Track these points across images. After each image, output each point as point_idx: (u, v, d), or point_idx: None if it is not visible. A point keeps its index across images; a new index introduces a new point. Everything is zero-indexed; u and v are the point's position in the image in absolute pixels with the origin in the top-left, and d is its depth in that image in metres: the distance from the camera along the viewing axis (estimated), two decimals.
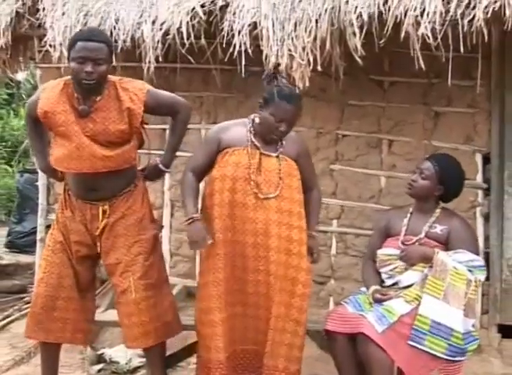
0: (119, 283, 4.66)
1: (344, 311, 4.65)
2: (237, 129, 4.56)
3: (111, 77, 4.57)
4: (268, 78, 4.47)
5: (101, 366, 5.55)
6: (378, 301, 4.56)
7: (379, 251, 4.78)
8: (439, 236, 4.66)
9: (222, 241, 4.47)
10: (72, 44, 4.48)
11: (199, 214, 4.51)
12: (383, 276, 4.75)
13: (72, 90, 4.58)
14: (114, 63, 5.63)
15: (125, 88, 4.57)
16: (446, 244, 4.64)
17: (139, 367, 5.38)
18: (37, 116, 4.64)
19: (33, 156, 4.89)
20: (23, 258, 7.48)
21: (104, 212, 4.65)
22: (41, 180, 6.61)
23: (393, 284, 4.68)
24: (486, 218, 5.78)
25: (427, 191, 4.74)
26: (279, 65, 4.82)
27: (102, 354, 5.59)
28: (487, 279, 5.66)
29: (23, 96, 15.34)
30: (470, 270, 4.49)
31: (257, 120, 4.49)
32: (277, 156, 4.50)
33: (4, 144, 14.74)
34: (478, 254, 4.70)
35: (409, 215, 4.80)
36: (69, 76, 4.60)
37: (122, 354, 5.42)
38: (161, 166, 4.76)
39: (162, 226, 4.88)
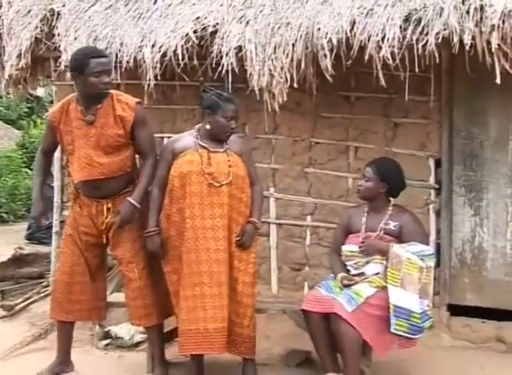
0: (126, 272, 4.74)
1: (318, 293, 4.67)
2: (186, 138, 4.68)
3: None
4: (202, 93, 4.63)
5: (107, 341, 5.54)
6: (347, 286, 4.58)
7: (344, 248, 4.82)
8: (392, 231, 4.71)
9: (189, 229, 4.52)
10: (84, 62, 4.49)
11: (157, 228, 4.62)
12: (349, 267, 4.78)
13: (75, 104, 4.61)
14: (118, 81, 5.67)
15: (119, 100, 4.65)
16: (400, 238, 4.67)
17: (140, 342, 5.37)
18: (52, 127, 4.68)
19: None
20: (41, 249, 7.44)
21: (108, 209, 4.67)
22: (56, 181, 6.58)
23: (358, 274, 4.70)
24: (438, 214, 5.77)
25: (372, 190, 4.79)
26: (203, 81, 5.11)
27: (109, 331, 5.57)
28: (438, 265, 5.72)
29: (42, 110, 15.31)
30: (421, 259, 4.52)
31: (208, 127, 4.59)
32: (224, 151, 4.59)
33: (25, 150, 14.70)
34: (427, 244, 4.74)
35: (366, 214, 4.83)
36: (71, 95, 4.64)
37: (126, 331, 5.41)
38: (131, 200, 4.63)
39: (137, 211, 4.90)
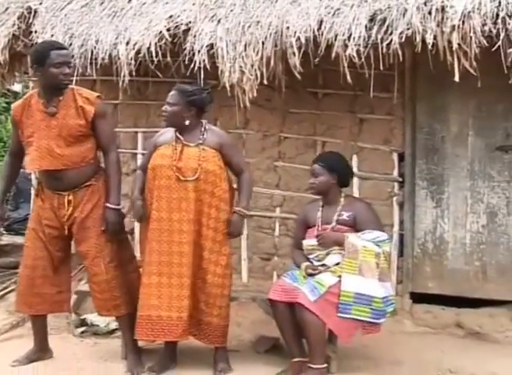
0: (92, 266, 4.68)
1: (283, 283, 4.67)
2: (168, 133, 4.68)
3: None
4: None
5: (83, 328, 5.48)
6: (311, 275, 4.58)
7: (304, 242, 4.84)
8: (346, 221, 4.71)
9: (154, 220, 4.52)
10: (45, 54, 4.46)
11: (140, 197, 4.62)
12: (312, 261, 4.78)
13: (37, 98, 4.58)
14: (94, 77, 5.62)
15: (80, 93, 4.62)
16: (355, 227, 4.67)
17: (115, 329, 5.32)
18: (14, 122, 4.70)
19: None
20: (19, 240, 7.38)
21: (69, 201, 4.62)
22: (34, 174, 6.50)
23: (321, 266, 4.70)
24: (401, 206, 5.79)
25: (325, 184, 4.79)
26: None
27: (85, 319, 5.51)
28: (401, 255, 5.76)
29: None
30: (377, 245, 4.54)
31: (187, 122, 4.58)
32: (197, 146, 4.54)
33: (2, 144, 14.56)
34: (381, 230, 4.72)
35: (321, 208, 4.83)
36: (32, 91, 4.63)
37: (101, 318, 5.33)
38: (111, 205, 4.61)
39: (125, 216, 4.86)
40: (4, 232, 5.08)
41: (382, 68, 4.79)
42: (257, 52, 5.03)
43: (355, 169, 5.63)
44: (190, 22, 5.31)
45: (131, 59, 5.36)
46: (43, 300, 4.78)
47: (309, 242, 4.79)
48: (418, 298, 5.76)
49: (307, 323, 4.39)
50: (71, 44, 5.53)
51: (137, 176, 4.75)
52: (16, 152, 4.85)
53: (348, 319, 4.42)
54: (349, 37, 4.78)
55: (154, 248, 4.51)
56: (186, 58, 5.25)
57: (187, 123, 4.57)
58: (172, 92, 4.63)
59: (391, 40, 4.68)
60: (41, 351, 4.90)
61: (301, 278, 4.64)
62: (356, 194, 5.63)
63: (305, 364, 4.50)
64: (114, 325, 5.32)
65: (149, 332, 4.48)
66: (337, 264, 4.59)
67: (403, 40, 4.66)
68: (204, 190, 4.53)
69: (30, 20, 5.86)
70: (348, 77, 4.89)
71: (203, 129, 4.61)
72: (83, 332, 5.47)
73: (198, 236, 4.53)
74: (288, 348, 4.67)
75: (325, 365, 4.47)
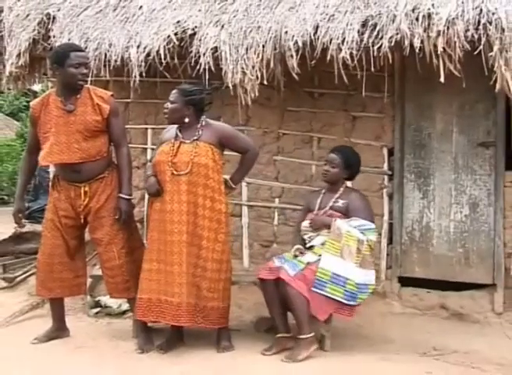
0: (105, 252, 4.72)
1: (271, 264, 4.73)
2: (172, 130, 4.69)
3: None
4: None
5: (97, 309, 5.52)
6: (296, 257, 4.65)
7: (302, 224, 4.86)
8: (341, 208, 4.76)
9: (156, 211, 4.56)
10: (65, 55, 4.49)
11: (152, 173, 4.61)
12: (306, 241, 4.83)
13: (55, 96, 4.59)
14: (107, 77, 5.63)
15: (95, 92, 4.66)
16: (347, 214, 4.70)
17: (127, 310, 5.34)
18: (33, 119, 4.69)
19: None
20: (38, 227, 7.39)
21: (85, 192, 4.65)
22: (52, 167, 6.52)
23: (311, 247, 4.75)
24: (390, 197, 5.81)
25: (337, 176, 4.84)
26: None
27: (99, 300, 5.55)
28: (390, 242, 5.78)
29: None
30: (362, 232, 4.57)
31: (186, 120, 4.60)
32: (192, 142, 4.56)
33: (23, 139, 14.60)
34: (371, 220, 4.75)
35: (322, 195, 4.89)
36: (50, 90, 4.65)
37: (113, 300, 5.36)
38: (124, 195, 4.66)
39: (134, 206, 4.91)
40: (26, 223, 5.07)
41: (373, 70, 4.80)
42: (258, 55, 5.04)
43: None
44: (195, 27, 5.32)
45: (141, 61, 5.37)
46: (62, 284, 4.82)
47: (304, 224, 4.87)
48: (406, 281, 5.78)
49: (289, 296, 4.45)
50: (86, 48, 5.53)
51: (148, 166, 4.80)
52: (33, 149, 4.87)
53: (322, 297, 4.46)
54: (343, 41, 4.79)
55: (154, 237, 4.55)
56: (193, 61, 5.26)
57: (187, 120, 4.59)
58: (174, 91, 4.66)
59: (381, 44, 4.69)
60: (59, 330, 4.94)
61: (290, 259, 4.70)
62: (349, 185, 5.65)
63: (289, 340, 4.56)
64: (125, 306, 5.35)
65: (149, 314, 4.50)
66: (323, 244, 4.63)
67: (392, 44, 4.67)
68: (197, 182, 4.52)
69: (49, 26, 5.87)
70: (344, 78, 4.89)
71: (199, 126, 4.61)
72: (97, 313, 5.51)
73: (195, 226, 4.52)
74: (275, 324, 4.70)
75: (313, 333, 4.48)
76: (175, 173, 4.51)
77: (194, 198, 4.52)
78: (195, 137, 4.57)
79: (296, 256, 4.68)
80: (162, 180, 4.55)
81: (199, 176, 4.52)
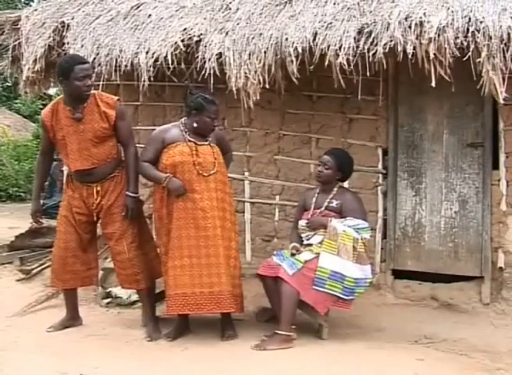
0: (116, 246, 4.72)
1: (271, 260, 4.73)
2: (174, 130, 4.65)
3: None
4: (189, 95, 4.62)
5: (108, 300, 5.53)
6: (293, 255, 4.64)
7: (299, 223, 4.88)
8: (335, 208, 4.75)
9: (180, 210, 4.50)
10: (70, 69, 4.44)
11: (167, 175, 4.52)
12: (303, 239, 4.83)
13: (63, 105, 4.56)
14: (118, 82, 5.63)
15: (101, 99, 4.62)
16: (341, 214, 4.70)
17: (136, 301, 5.35)
18: (45, 126, 4.66)
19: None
20: (53, 223, 7.39)
21: (97, 191, 4.65)
22: (65, 166, 6.53)
23: (308, 245, 4.75)
24: (385, 194, 5.81)
25: (330, 177, 4.82)
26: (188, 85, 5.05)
27: (110, 291, 5.55)
28: (384, 237, 5.78)
29: None
30: (357, 231, 4.56)
31: (195, 125, 4.56)
32: (208, 144, 4.60)
33: (39, 140, 14.54)
34: (364, 219, 4.74)
35: (317, 194, 4.87)
36: (58, 98, 4.64)
37: (124, 291, 5.36)
38: (130, 193, 4.64)
39: (143, 203, 4.93)
40: (43, 221, 5.08)
41: (368, 74, 4.79)
42: (260, 60, 5.04)
43: None
44: (201, 34, 5.32)
45: (150, 66, 5.37)
46: (75, 276, 4.83)
47: (301, 223, 4.86)
48: (399, 274, 5.78)
49: (282, 294, 4.46)
50: (98, 54, 5.56)
51: (148, 166, 4.61)
52: (46, 152, 4.88)
53: (322, 293, 4.46)
54: (340, 48, 4.79)
55: (183, 235, 4.51)
56: (198, 66, 5.26)
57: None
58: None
59: (376, 50, 4.69)
60: (72, 319, 4.96)
61: (288, 256, 4.70)
62: (345, 184, 5.65)
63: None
64: (135, 297, 5.35)
65: (185, 307, 4.48)
66: (320, 243, 4.63)
67: (386, 50, 4.67)
68: (221, 180, 4.63)
69: (64, 33, 5.87)
70: (342, 82, 4.88)
71: None
72: (108, 303, 5.52)
73: (224, 220, 4.60)
74: (277, 316, 4.68)
75: (291, 334, 4.45)
76: (201, 172, 4.52)
77: (222, 195, 4.61)
78: (210, 139, 4.64)
79: (293, 254, 4.66)
80: (187, 179, 4.52)
81: (221, 174, 4.64)
